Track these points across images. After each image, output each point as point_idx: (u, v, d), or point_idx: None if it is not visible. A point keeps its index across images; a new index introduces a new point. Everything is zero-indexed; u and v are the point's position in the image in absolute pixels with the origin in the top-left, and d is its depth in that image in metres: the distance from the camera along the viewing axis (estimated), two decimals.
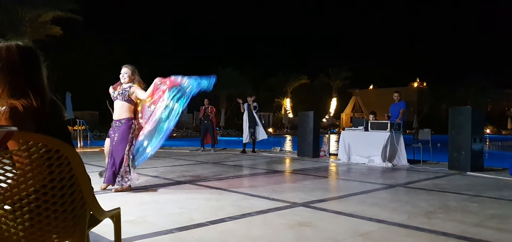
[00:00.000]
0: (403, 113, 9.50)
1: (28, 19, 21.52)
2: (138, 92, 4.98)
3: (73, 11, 22.09)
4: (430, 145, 9.19)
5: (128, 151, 4.89)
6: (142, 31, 49.68)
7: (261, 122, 11.45)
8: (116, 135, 4.91)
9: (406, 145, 8.88)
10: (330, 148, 11.06)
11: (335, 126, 43.03)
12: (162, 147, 13.21)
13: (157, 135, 4.94)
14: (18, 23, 21.11)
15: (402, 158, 8.64)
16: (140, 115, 5.06)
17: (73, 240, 1.52)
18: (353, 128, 9.61)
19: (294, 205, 4.27)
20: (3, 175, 1.37)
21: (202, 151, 11.78)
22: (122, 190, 4.83)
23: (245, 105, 11.30)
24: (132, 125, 4.94)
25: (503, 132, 43.99)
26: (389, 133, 8.52)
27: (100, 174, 5.03)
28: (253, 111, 11.16)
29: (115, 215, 1.82)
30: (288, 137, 29.28)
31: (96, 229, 2.29)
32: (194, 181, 5.89)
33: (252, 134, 11.11)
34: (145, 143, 4.92)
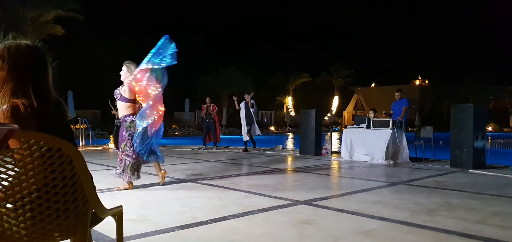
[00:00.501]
0: (406, 111, 9.43)
1: (30, 18, 21.55)
2: (126, 92, 5.04)
3: (74, 10, 22.11)
4: (432, 142, 9.17)
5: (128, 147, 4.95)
6: (142, 30, 49.74)
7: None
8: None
9: (408, 143, 8.87)
10: (332, 146, 11.05)
11: (337, 124, 42.98)
12: (164, 146, 13.21)
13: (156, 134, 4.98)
14: (19, 23, 21.14)
15: (404, 156, 8.62)
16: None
17: (75, 239, 1.52)
18: (355, 125, 9.60)
19: (296, 203, 4.26)
20: (4, 173, 1.37)
21: (204, 149, 11.79)
22: (118, 189, 4.85)
23: (243, 104, 11.29)
24: (129, 121, 5.00)
25: (505, 130, 43.88)
26: (391, 130, 8.50)
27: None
28: (251, 109, 11.13)
29: (117, 213, 1.82)
30: (290, 135, 29.27)
31: (98, 227, 2.29)
32: (196, 179, 5.90)
33: (248, 131, 11.10)
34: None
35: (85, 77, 27.40)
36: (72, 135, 1.69)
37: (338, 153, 10.16)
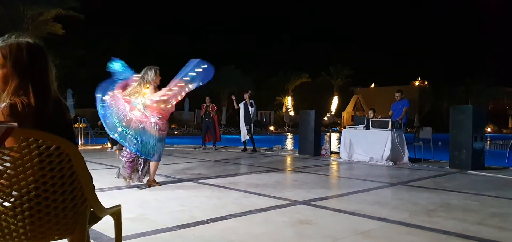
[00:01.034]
0: (406, 112, 9.38)
1: (30, 17, 21.55)
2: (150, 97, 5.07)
3: (75, 9, 22.11)
4: (431, 143, 9.18)
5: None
6: (143, 30, 49.73)
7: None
8: None
9: (407, 143, 8.87)
10: (331, 146, 11.06)
11: (336, 124, 43.01)
12: None
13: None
14: (19, 21, 21.13)
15: (403, 156, 8.63)
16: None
17: (73, 237, 1.52)
18: (354, 126, 9.60)
19: (295, 203, 4.27)
20: (2, 171, 1.37)
21: (203, 148, 11.79)
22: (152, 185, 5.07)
23: (242, 103, 11.26)
24: (156, 122, 5.02)
25: (504, 131, 43.92)
26: (390, 131, 8.50)
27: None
28: (249, 108, 11.09)
29: (116, 212, 1.82)
30: (289, 135, 29.28)
31: (96, 226, 2.29)
32: (195, 179, 5.90)
33: (249, 131, 11.06)
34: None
35: (84, 76, 27.39)
36: (72, 135, 1.69)
37: (337, 153, 10.16)
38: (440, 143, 11.70)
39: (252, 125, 11.09)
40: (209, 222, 3.38)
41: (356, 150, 9.10)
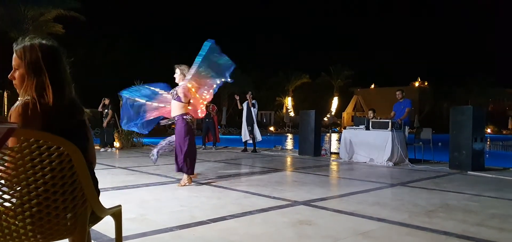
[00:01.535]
0: (408, 112, 9.30)
1: (30, 17, 21.53)
2: (182, 94, 5.27)
3: (75, 9, 22.09)
4: (431, 144, 9.18)
5: (189, 143, 5.24)
6: (143, 30, 49.73)
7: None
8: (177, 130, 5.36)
9: (407, 144, 8.87)
10: (332, 146, 11.06)
11: (336, 125, 43.00)
12: None
13: None
14: (20, 21, 21.12)
15: (403, 157, 8.63)
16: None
17: (74, 237, 1.52)
18: (354, 126, 9.60)
19: (295, 203, 4.27)
20: (3, 171, 1.37)
21: (203, 149, 11.79)
22: (184, 184, 5.21)
23: (245, 104, 11.25)
24: (186, 119, 5.26)
25: (504, 132, 43.92)
26: (390, 132, 8.51)
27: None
28: (252, 109, 11.10)
29: (116, 213, 1.83)
30: (289, 136, 29.28)
31: (97, 227, 2.29)
32: (195, 179, 5.90)
33: (251, 132, 11.06)
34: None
35: (85, 77, 27.40)
36: (85, 135, 1.71)
37: (337, 153, 10.16)
38: (440, 144, 11.70)
39: (254, 125, 11.10)
40: (209, 222, 3.39)
41: (356, 151, 9.10)
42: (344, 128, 10.65)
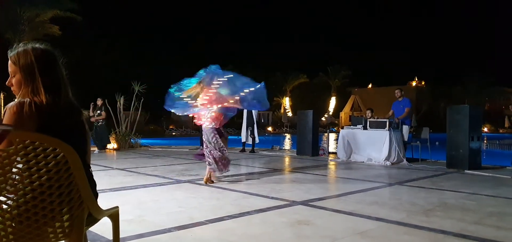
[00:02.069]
0: (408, 112, 9.24)
1: (27, 18, 21.46)
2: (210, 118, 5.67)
3: (72, 10, 22.03)
4: (429, 143, 9.20)
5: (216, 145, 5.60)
6: (142, 30, 49.69)
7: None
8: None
9: (407, 143, 8.88)
10: (329, 146, 11.07)
11: (334, 125, 43.06)
12: (161, 146, 13.17)
13: None
14: (16, 22, 21.05)
15: (400, 156, 8.64)
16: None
17: (70, 239, 1.52)
18: (352, 126, 9.61)
19: (293, 203, 4.27)
20: None
21: (201, 150, 11.76)
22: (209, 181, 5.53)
23: None
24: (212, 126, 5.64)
25: (501, 130, 44.10)
26: (388, 131, 8.52)
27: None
28: (252, 111, 11.09)
29: (114, 214, 1.82)
30: (287, 136, 29.30)
31: (94, 228, 2.28)
32: (193, 180, 5.89)
33: (251, 132, 11.05)
34: None
35: (82, 78, 27.33)
36: (82, 136, 1.72)
37: (335, 153, 10.16)
38: (437, 143, 11.74)
39: (255, 125, 11.09)
40: (207, 223, 3.38)
41: (354, 150, 9.11)
42: (342, 128, 10.66)
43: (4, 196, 1.40)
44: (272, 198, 4.55)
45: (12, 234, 1.42)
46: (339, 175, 7.10)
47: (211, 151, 5.64)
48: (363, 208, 4.03)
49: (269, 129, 35.82)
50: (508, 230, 3.33)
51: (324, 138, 10.84)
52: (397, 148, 8.58)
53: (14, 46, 1.68)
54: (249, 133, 11.08)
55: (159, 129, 28.34)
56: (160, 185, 5.37)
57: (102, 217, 1.73)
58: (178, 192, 4.92)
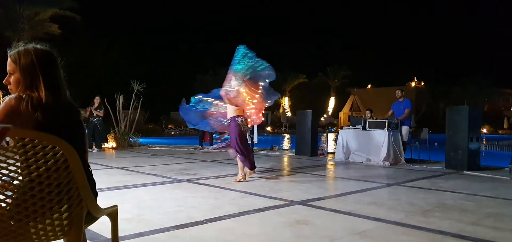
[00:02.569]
0: (409, 113, 9.21)
1: (26, 17, 21.41)
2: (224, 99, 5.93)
3: (72, 9, 21.99)
4: (428, 144, 9.21)
5: (239, 142, 5.71)
6: (141, 30, 49.66)
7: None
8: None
9: (406, 144, 8.89)
10: (328, 146, 11.07)
11: (333, 125, 43.05)
12: (160, 145, 13.16)
13: None
14: (16, 21, 21.01)
15: (399, 157, 8.65)
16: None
17: (69, 238, 1.52)
18: (351, 126, 9.62)
19: (292, 203, 4.27)
20: None
21: (200, 149, 11.78)
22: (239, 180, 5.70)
23: None
24: (237, 121, 5.74)
25: (500, 132, 44.16)
26: (387, 132, 8.53)
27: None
28: None
29: (112, 213, 1.82)
30: (286, 136, 29.29)
31: (93, 227, 2.29)
32: (192, 179, 5.89)
33: (251, 132, 11.04)
34: None
35: (81, 77, 27.31)
36: (81, 135, 1.72)
37: (334, 153, 10.17)
38: (436, 144, 11.76)
39: (255, 125, 11.06)
40: (206, 223, 3.38)
41: (352, 151, 9.12)
42: (341, 128, 10.66)
43: (3, 194, 1.40)
44: (271, 197, 4.55)
45: (11, 232, 1.42)
46: (338, 175, 7.10)
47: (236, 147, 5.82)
48: (362, 208, 4.04)
49: (268, 128, 35.81)
50: (506, 231, 3.34)
51: (323, 138, 10.84)
52: (396, 148, 8.59)
53: (14, 45, 1.69)
54: (248, 133, 11.06)
55: (158, 128, 28.32)
56: (159, 184, 5.37)
57: (101, 216, 1.73)
58: (177, 191, 4.92)
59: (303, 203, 4.29)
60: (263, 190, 5.07)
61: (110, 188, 4.95)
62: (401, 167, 8.16)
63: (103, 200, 4.01)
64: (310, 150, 10.17)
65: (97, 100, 10.92)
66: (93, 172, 1.81)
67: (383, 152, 8.45)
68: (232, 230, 3.18)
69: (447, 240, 3.04)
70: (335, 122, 47.76)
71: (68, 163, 1.43)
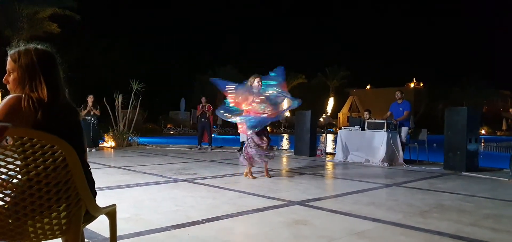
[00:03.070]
0: (407, 115, 9.20)
1: (26, 15, 21.39)
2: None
3: (71, 9, 21.96)
4: (426, 145, 9.22)
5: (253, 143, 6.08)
6: (141, 30, 49.63)
7: None
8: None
9: (405, 145, 8.90)
10: (327, 147, 11.08)
11: (332, 125, 43.09)
12: (159, 145, 13.15)
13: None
14: (15, 20, 20.98)
15: (398, 158, 8.66)
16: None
17: (67, 237, 1.52)
18: (350, 127, 9.63)
19: (290, 203, 4.27)
20: None
21: (199, 149, 11.77)
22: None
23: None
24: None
25: (498, 133, 44.25)
26: (385, 132, 8.54)
27: None
28: None
29: (111, 212, 1.82)
30: (285, 136, 29.29)
31: (91, 226, 2.29)
32: (190, 179, 5.89)
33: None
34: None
35: (81, 76, 27.27)
36: (80, 135, 1.73)
37: (333, 154, 10.18)
38: (435, 145, 11.77)
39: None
40: (204, 222, 3.38)
41: (351, 151, 9.13)
42: (340, 129, 10.67)
43: (2, 193, 1.40)
44: (270, 197, 4.55)
45: (10, 231, 1.42)
46: (337, 175, 7.11)
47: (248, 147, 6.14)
48: (360, 209, 4.04)
49: (268, 128, 35.78)
50: (504, 232, 3.35)
51: (322, 139, 10.85)
52: (394, 149, 8.60)
53: (14, 45, 1.70)
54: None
55: (157, 127, 28.31)
56: (157, 184, 5.37)
57: (99, 215, 1.73)
58: (175, 190, 4.92)
59: (302, 203, 4.29)
60: (262, 190, 5.07)
61: (108, 187, 4.95)
62: (399, 168, 8.16)
63: (102, 199, 4.00)
64: (309, 150, 10.17)
65: (91, 99, 10.81)
66: (92, 171, 1.81)
67: (382, 153, 8.46)
68: (231, 230, 3.18)
69: (445, 241, 3.04)
70: (334, 122, 47.81)
71: (67, 162, 1.43)
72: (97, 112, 10.85)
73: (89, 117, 10.63)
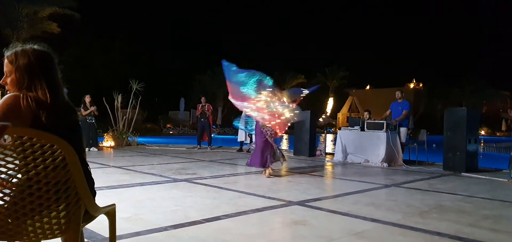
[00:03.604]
0: (406, 115, 9.21)
1: (25, 15, 21.36)
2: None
3: (71, 8, 21.93)
4: (426, 145, 9.23)
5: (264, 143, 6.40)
6: (141, 30, 49.60)
7: None
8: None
9: (405, 145, 8.90)
10: (326, 147, 11.09)
11: (331, 126, 43.11)
12: (158, 145, 13.14)
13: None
14: (15, 19, 20.95)
15: (397, 158, 8.67)
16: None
17: (67, 236, 1.52)
18: (349, 127, 9.63)
19: (290, 203, 4.28)
20: None
21: (198, 149, 11.77)
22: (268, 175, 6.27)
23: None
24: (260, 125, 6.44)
25: (498, 134, 44.28)
26: (385, 133, 8.54)
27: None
28: None
29: (110, 212, 1.82)
30: (285, 136, 29.29)
31: (90, 226, 2.28)
32: (190, 179, 5.89)
33: (251, 132, 11.04)
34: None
35: (80, 76, 27.25)
36: (79, 134, 1.72)
37: (332, 154, 10.18)
38: (434, 145, 11.77)
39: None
40: (204, 222, 3.38)
41: (351, 151, 9.12)
42: (339, 129, 10.68)
43: (1, 192, 1.40)
44: (269, 198, 4.55)
45: (9, 230, 1.42)
46: (336, 175, 7.11)
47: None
48: (360, 209, 4.05)
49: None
50: (504, 233, 3.35)
51: (321, 139, 10.85)
52: (394, 149, 8.61)
53: (10, 46, 1.69)
54: (246, 133, 11.08)
55: (157, 127, 28.30)
56: (156, 183, 5.37)
57: (99, 215, 1.73)
58: (175, 190, 4.92)
59: (301, 203, 4.29)
60: (261, 190, 5.07)
61: (108, 187, 4.94)
62: (399, 168, 8.17)
63: (101, 199, 4.00)
64: (308, 151, 10.18)
65: (88, 98, 10.75)
66: (91, 170, 1.81)
67: (381, 153, 8.46)
68: (230, 230, 3.18)
69: (444, 241, 3.04)
70: (334, 122, 47.83)
71: (67, 161, 1.43)
72: (96, 112, 10.83)
73: (89, 118, 10.62)
